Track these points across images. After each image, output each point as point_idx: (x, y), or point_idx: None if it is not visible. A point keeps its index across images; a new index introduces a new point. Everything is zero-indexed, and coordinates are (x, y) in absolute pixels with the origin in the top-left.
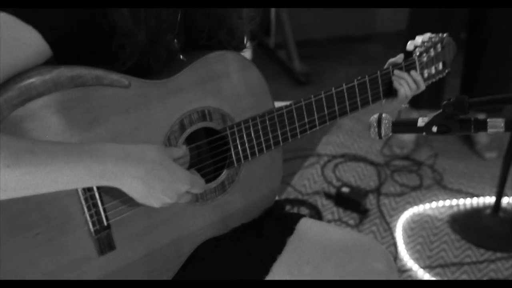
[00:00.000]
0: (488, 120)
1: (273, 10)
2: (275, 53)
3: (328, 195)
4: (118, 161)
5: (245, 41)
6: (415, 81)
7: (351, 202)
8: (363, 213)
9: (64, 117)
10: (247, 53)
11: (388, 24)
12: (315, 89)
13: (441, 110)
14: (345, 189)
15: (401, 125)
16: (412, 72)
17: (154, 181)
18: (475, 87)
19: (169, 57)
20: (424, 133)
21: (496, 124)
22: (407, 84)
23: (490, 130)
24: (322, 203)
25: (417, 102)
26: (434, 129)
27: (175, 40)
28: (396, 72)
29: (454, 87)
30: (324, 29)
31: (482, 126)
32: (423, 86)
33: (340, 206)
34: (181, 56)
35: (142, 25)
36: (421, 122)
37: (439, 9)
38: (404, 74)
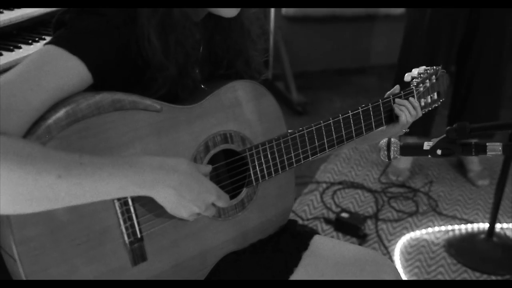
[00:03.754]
0: (487, 144)
1: (271, 43)
2: (273, 84)
3: (328, 220)
4: (154, 171)
5: (260, 72)
6: (414, 107)
7: (351, 227)
8: (362, 237)
9: (103, 137)
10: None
11: (381, 57)
12: (312, 119)
13: (444, 135)
14: (344, 215)
15: (408, 149)
16: (411, 99)
17: (185, 191)
18: (463, 117)
19: (194, 86)
20: (429, 156)
21: (495, 148)
22: (408, 110)
23: (489, 153)
24: (322, 228)
25: (411, 131)
26: (439, 152)
27: (197, 71)
28: (397, 100)
29: (444, 117)
30: (321, 61)
31: (482, 149)
32: (420, 113)
33: (340, 231)
34: (202, 86)
35: (173, 60)
36: (426, 146)
37: (427, 45)
38: (405, 102)
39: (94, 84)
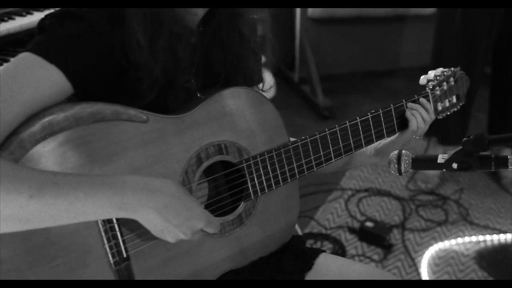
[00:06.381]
0: (509, 157)
1: (297, 45)
2: (299, 87)
3: (352, 230)
4: (137, 192)
5: (263, 84)
6: (426, 109)
7: (375, 237)
8: (387, 248)
9: (84, 151)
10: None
11: (412, 59)
12: (339, 123)
13: (461, 147)
14: (369, 224)
15: (421, 162)
16: (421, 100)
17: (170, 215)
18: (505, 121)
19: (187, 97)
20: (444, 170)
21: None
22: (420, 115)
23: (511, 167)
24: (346, 237)
25: (445, 138)
26: (455, 165)
27: (192, 81)
28: (409, 104)
29: (480, 121)
30: (348, 63)
31: (502, 163)
32: (433, 115)
33: (364, 241)
34: (198, 94)
35: (159, 60)
36: (441, 159)
37: (463, 45)
38: (416, 105)
39: (76, 93)
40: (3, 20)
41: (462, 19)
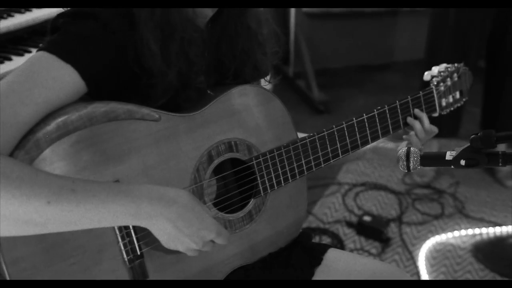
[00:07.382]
0: None
1: (292, 40)
2: (294, 82)
3: (349, 224)
4: (153, 201)
5: (269, 76)
6: (421, 121)
7: (373, 231)
8: (385, 242)
9: (98, 150)
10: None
11: (406, 52)
12: (334, 118)
13: (468, 144)
14: (366, 218)
15: (429, 159)
16: (416, 111)
17: (183, 225)
18: (498, 116)
19: (198, 96)
20: (452, 166)
21: None
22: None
23: None
24: (344, 231)
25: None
26: (462, 162)
27: (202, 77)
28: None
29: (474, 115)
30: (343, 58)
31: (510, 159)
32: (428, 125)
33: (362, 235)
34: (208, 91)
35: (174, 68)
36: (449, 156)
37: (457, 38)
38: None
39: (90, 92)
40: (2, 18)
41: (455, 13)
